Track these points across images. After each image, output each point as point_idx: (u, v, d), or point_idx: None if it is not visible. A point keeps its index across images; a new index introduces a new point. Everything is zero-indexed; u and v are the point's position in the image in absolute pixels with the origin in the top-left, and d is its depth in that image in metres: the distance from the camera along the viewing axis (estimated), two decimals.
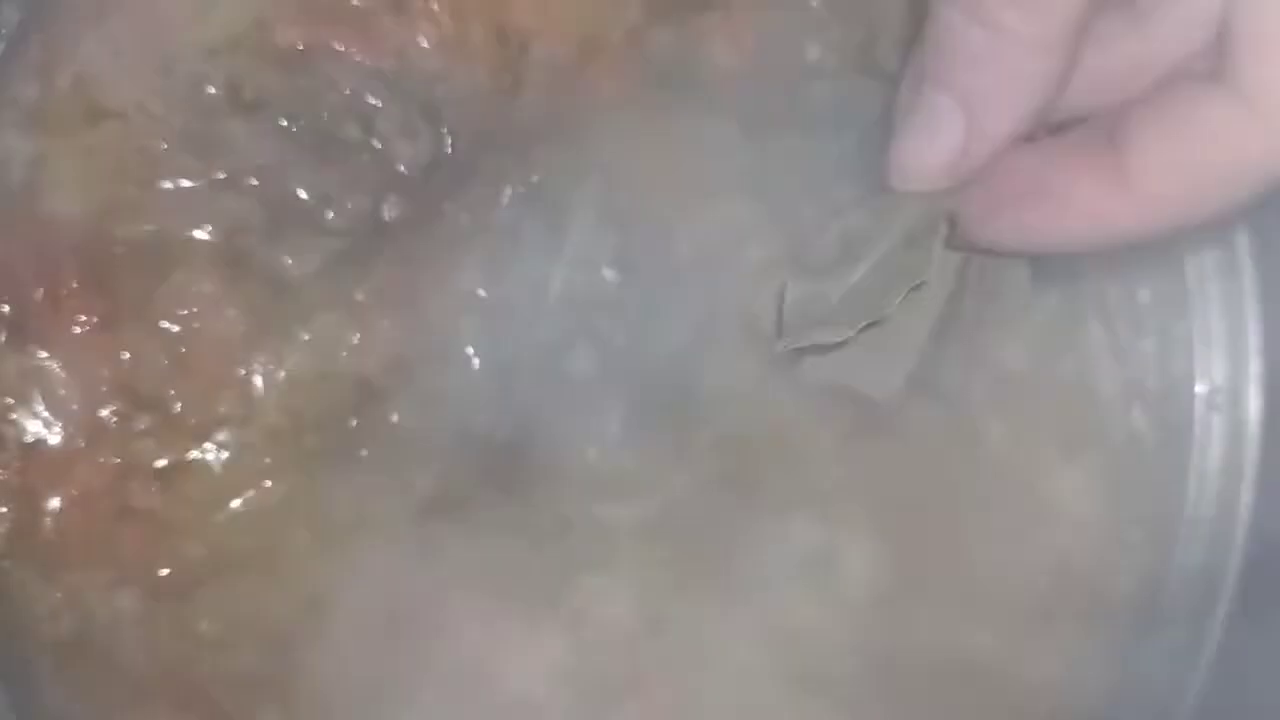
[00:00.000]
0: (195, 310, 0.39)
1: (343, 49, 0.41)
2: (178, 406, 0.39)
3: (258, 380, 0.39)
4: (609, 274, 0.40)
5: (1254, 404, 0.44)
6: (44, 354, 0.39)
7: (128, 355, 0.39)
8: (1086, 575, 0.43)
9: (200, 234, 0.39)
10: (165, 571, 0.39)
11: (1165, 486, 0.44)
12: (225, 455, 0.39)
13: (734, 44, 0.42)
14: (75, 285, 0.39)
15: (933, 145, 0.32)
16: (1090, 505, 0.44)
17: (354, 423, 0.39)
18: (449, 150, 0.41)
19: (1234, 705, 0.43)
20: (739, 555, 0.40)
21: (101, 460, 0.39)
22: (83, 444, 0.39)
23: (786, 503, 0.41)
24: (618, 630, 0.40)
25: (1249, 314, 0.43)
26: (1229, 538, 0.44)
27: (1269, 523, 0.44)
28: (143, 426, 0.39)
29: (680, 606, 0.40)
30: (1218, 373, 0.44)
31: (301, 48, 0.40)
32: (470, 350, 0.40)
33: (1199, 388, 0.44)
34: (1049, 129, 0.32)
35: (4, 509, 0.38)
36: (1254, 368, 0.44)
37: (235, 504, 0.39)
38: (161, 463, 0.39)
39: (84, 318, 0.39)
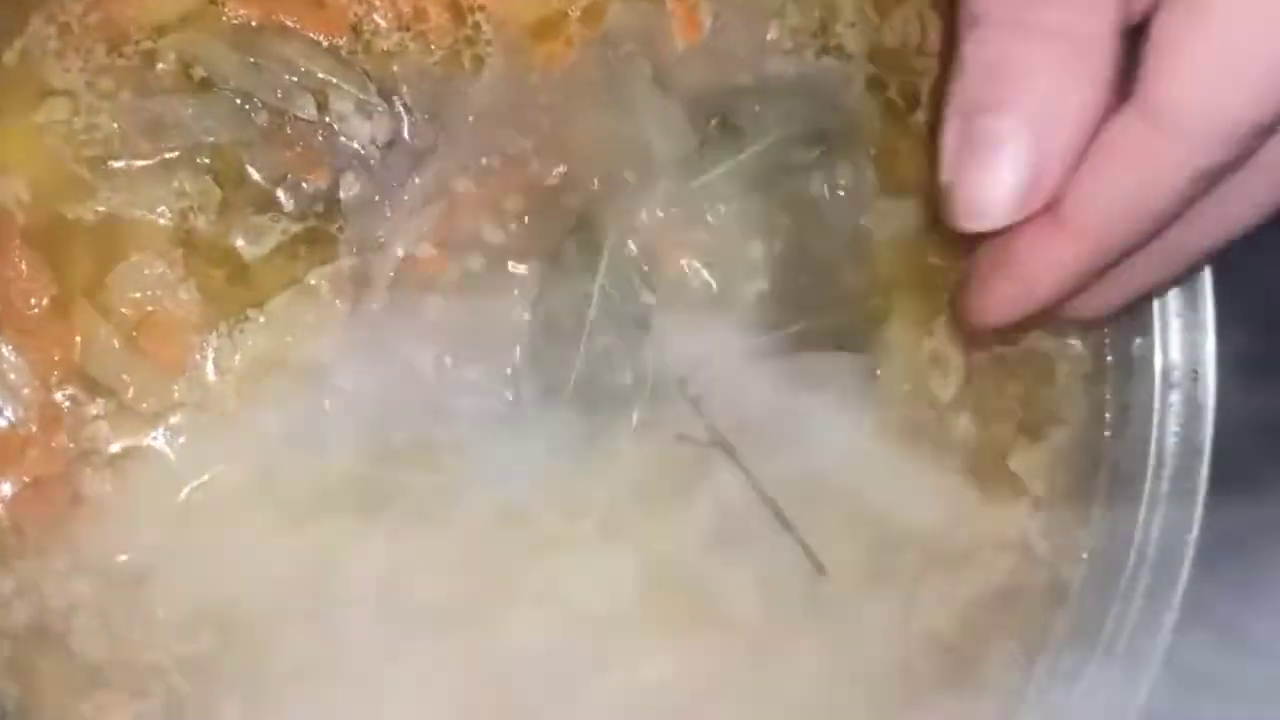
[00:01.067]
0: (148, 293, 0.38)
1: (296, 25, 0.40)
2: (131, 391, 0.38)
3: (212, 364, 0.39)
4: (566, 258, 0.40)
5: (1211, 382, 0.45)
6: None
7: (79, 339, 0.38)
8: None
9: (152, 215, 0.39)
10: (121, 558, 0.38)
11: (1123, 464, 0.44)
12: (180, 440, 0.38)
13: (690, 23, 0.41)
14: (24, 268, 0.38)
15: (1002, 177, 0.30)
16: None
17: (310, 405, 0.39)
18: (406, 129, 0.40)
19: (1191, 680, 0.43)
20: None
21: (54, 446, 0.38)
22: (35, 429, 0.38)
23: None
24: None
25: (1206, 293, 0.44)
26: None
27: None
28: (96, 411, 0.38)
29: None
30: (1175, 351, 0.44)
31: (254, 24, 0.40)
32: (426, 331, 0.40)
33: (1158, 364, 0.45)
34: None
35: None
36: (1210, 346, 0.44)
37: (191, 489, 0.38)
38: (115, 448, 0.38)
39: (34, 301, 0.38)
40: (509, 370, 0.40)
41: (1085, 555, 0.45)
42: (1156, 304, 0.44)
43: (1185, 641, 0.43)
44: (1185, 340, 0.44)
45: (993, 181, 0.30)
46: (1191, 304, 0.44)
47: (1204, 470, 0.45)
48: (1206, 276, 0.43)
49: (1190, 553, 0.44)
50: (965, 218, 0.31)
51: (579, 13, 0.41)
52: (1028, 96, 0.29)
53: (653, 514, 0.40)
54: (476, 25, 0.41)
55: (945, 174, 0.31)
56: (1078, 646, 0.44)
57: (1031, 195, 0.30)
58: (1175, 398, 0.44)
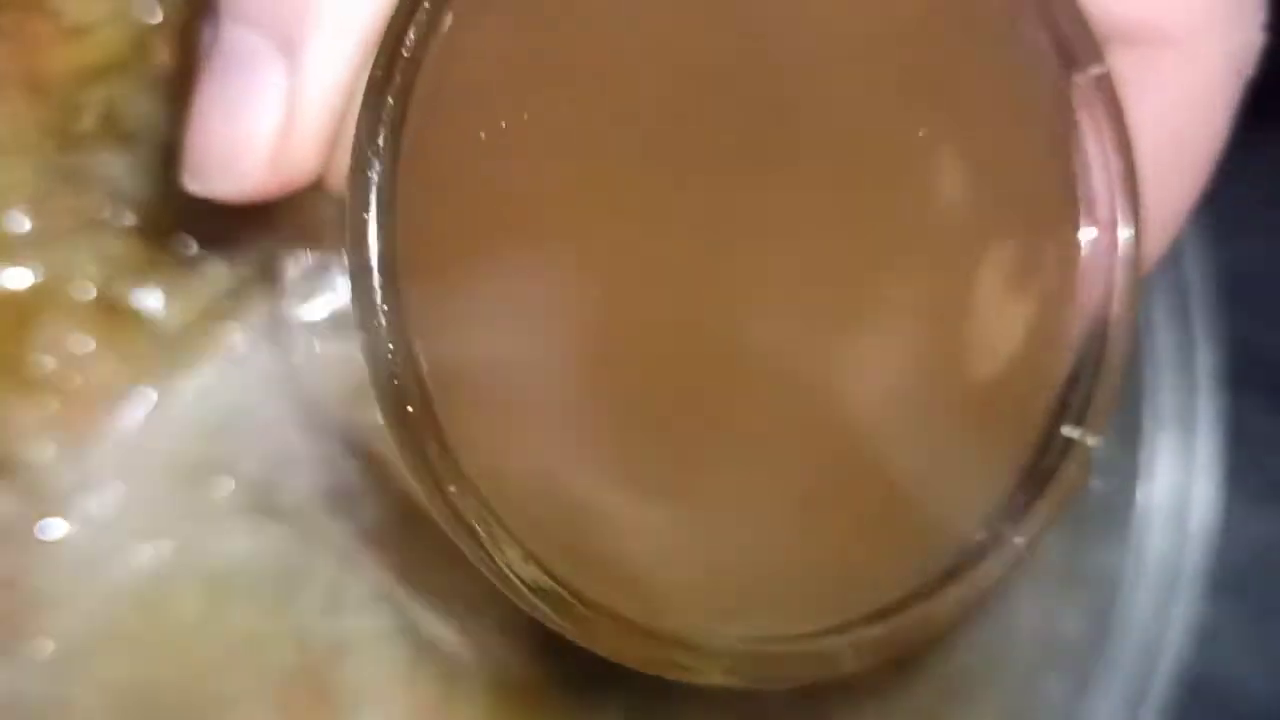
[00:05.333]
0: (69, 362, 0.36)
1: None
2: (51, 467, 0.36)
3: (139, 435, 0.37)
4: None
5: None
6: None
7: None
8: None
9: (73, 279, 0.37)
10: (40, 641, 0.36)
11: None
12: (103, 517, 0.36)
13: None
14: None
15: (246, 116, 0.21)
16: None
17: (245, 478, 0.37)
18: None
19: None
20: None
21: None
22: None
23: None
24: None
25: None
26: None
27: None
28: (10, 489, 0.36)
29: None
30: None
31: (185, 74, 0.37)
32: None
33: None
34: None
35: None
36: None
37: (114, 569, 0.36)
38: (34, 529, 0.36)
39: None
40: None
41: None
42: None
43: None
44: None
45: (231, 124, 0.22)
46: None
47: None
48: None
49: None
50: (190, 172, 0.24)
51: None
52: (288, 8, 0.21)
53: None
54: None
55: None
56: None
57: (281, 159, 0.22)
58: None
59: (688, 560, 0.23)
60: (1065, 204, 0.25)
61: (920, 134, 0.24)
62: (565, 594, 0.20)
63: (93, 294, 0.36)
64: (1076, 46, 0.25)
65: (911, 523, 0.25)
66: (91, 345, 0.36)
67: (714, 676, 0.21)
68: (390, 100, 0.19)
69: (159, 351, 0.37)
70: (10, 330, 0.36)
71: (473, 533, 0.20)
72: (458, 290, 0.20)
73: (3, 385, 0.36)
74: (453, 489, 0.20)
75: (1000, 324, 0.24)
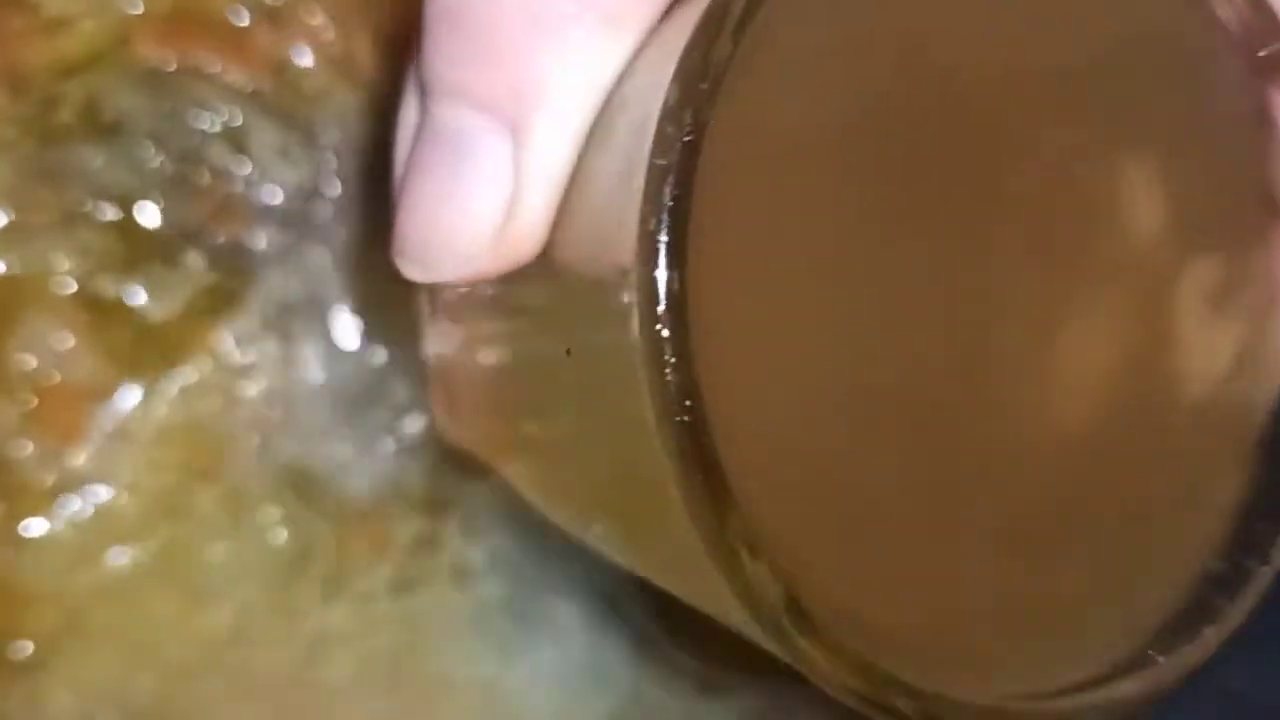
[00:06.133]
0: (49, 359, 0.36)
1: (214, 68, 0.37)
2: (31, 465, 0.36)
3: (121, 433, 0.36)
4: None
5: None
6: None
7: None
8: None
9: (54, 274, 0.36)
10: (18, 642, 0.36)
11: None
12: (86, 517, 0.36)
13: None
14: None
15: (470, 200, 0.21)
16: None
17: (227, 476, 0.37)
18: (331, 176, 0.38)
19: None
20: None
21: None
22: None
23: None
24: None
25: None
26: None
27: None
28: None
29: None
30: None
31: (168, 66, 0.37)
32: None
33: None
34: None
35: None
36: None
37: (96, 568, 0.36)
38: (15, 528, 0.36)
39: None
40: None
41: None
42: None
43: None
44: None
45: (453, 209, 0.21)
46: None
47: None
48: None
49: None
50: (408, 261, 0.22)
51: None
52: (515, 83, 0.20)
53: None
54: (401, 64, 0.38)
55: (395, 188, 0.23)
56: None
57: (504, 241, 0.21)
58: None
59: (941, 602, 0.23)
60: (1267, 216, 0.25)
61: (1117, 162, 0.24)
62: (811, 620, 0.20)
63: (73, 289, 0.36)
64: (1268, 58, 0.24)
65: (1148, 557, 0.24)
66: (72, 342, 0.36)
67: None
68: (673, 189, 0.19)
69: (141, 348, 0.36)
70: None
71: (735, 557, 0.20)
72: (738, 339, 0.21)
73: None
74: (732, 522, 0.20)
75: (1212, 344, 0.24)
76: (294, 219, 0.37)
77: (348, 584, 0.37)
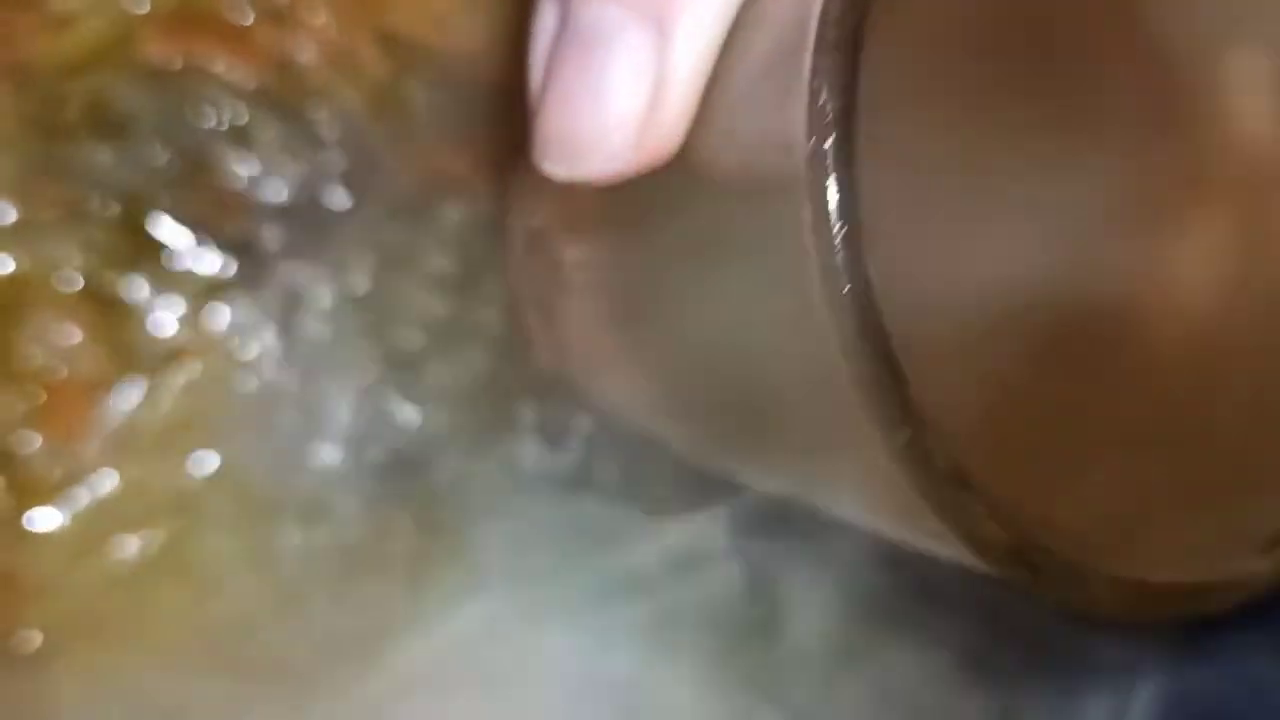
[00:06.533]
0: (56, 354, 0.36)
1: (218, 65, 0.38)
2: (38, 460, 0.36)
3: (126, 427, 0.36)
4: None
5: None
6: None
7: None
8: None
9: (60, 271, 0.36)
10: (25, 634, 0.36)
11: None
12: (93, 510, 0.36)
13: None
14: None
15: (612, 95, 0.21)
16: None
17: (232, 469, 0.37)
18: (335, 173, 0.38)
19: None
20: None
21: None
22: None
23: None
24: None
25: None
26: None
27: None
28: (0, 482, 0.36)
29: None
30: None
31: (172, 64, 0.37)
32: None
33: None
34: None
35: None
36: None
37: (103, 561, 0.36)
38: (22, 520, 0.36)
39: None
40: None
41: None
42: None
43: None
44: None
45: (595, 103, 0.21)
46: None
47: None
48: None
49: None
50: (550, 155, 0.23)
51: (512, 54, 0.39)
52: None
53: None
54: (410, 63, 0.39)
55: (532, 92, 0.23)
56: None
57: (646, 136, 0.21)
58: None
59: (1088, 492, 0.23)
60: None
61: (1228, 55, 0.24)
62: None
63: (79, 285, 0.36)
64: None
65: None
66: (78, 336, 0.36)
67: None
68: (839, 71, 0.19)
69: (147, 342, 0.37)
70: None
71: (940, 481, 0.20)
72: (901, 223, 0.21)
73: None
74: (923, 440, 0.20)
75: None
76: (298, 215, 0.38)
77: (358, 580, 0.37)
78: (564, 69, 0.22)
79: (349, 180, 0.38)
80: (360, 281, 0.38)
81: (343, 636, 0.37)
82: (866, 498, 0.23)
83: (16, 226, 0.36)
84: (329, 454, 0.37)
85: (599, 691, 0.37)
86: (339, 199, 0.38)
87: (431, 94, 0.39)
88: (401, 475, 0.38)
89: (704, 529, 0.38)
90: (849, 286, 0.19)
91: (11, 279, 0.36)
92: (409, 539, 0.38)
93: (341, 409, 0.37)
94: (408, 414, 0.38)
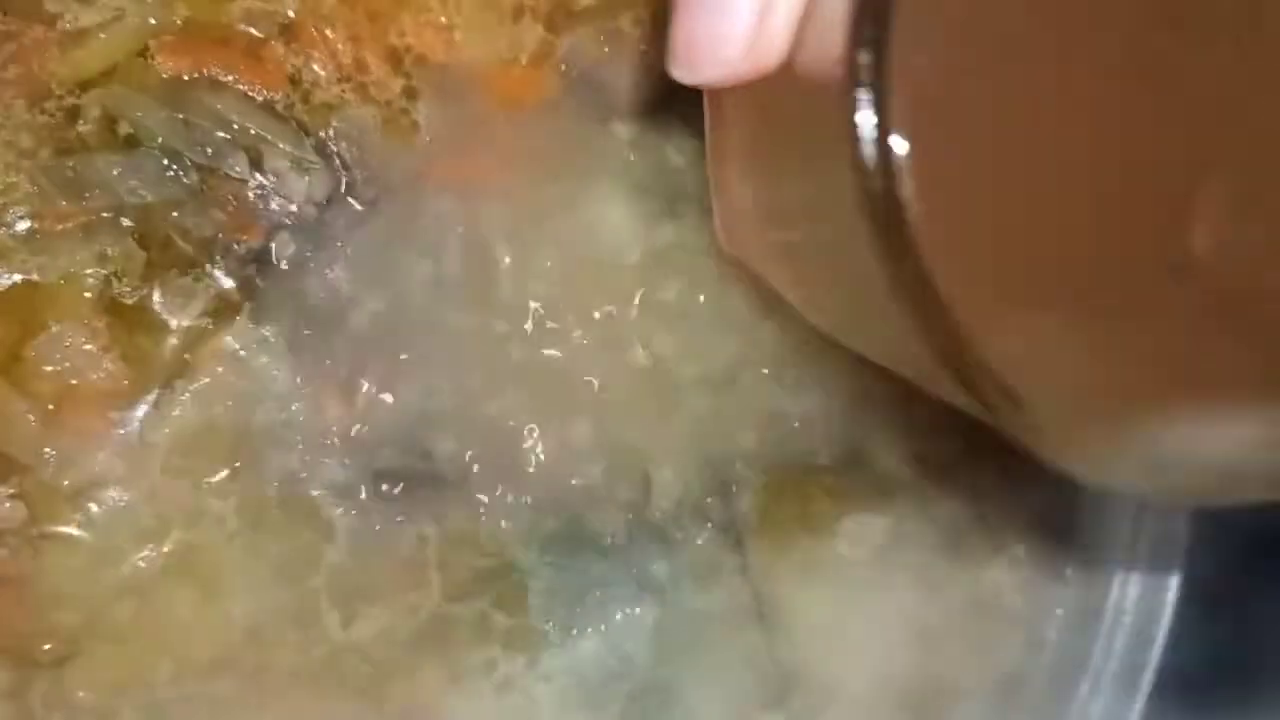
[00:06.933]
0: (69, 364, 0.36)
1: (230, 78, 0.38)
2: (50, 467, 0.36)
3: (138, 437, 0.37)
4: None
5: None
6: None
7: None
8: None
9: (73, 281, 0.37)
10: (39, 640, 0.36)
11: None
12: (104, 517, 0.37)
13: (643, 72, 0.40)
14: None
15: (729, 12, 0.25)
16: None
17: (242, 479, 0.37)
18: (345, 187, 0.38)
19: None
20: None
21: None
22: None
23: None
24: None
25: None
26: None
27: None
28: (11, 490, 0.36)
29: None
30: None
31: (185, 78, 0.38)
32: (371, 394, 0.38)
33: None
34: None
35: None
36: None
37: (115, 568, 0.37)
38: (34, 528, 0.36)
39: None
40: None
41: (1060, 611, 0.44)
42: None
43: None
44: None
45: (715, 16, 0.25)
46: None
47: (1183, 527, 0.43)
48: None
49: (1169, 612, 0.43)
50: (680, 62, 0.26)
51: (526, 59, 0.39)
52: None
53: None
54: (419, 77, 0.39)
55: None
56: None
57: (755, 46, 0.25)
58: None
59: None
60: None
61: None
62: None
63: (93, 296, 0.37)
64: None
65: None
66: (91, 347, 0.37)
67: None
68: None
69: (159, 352, 0.37)
70: (11, 332, 0.36)
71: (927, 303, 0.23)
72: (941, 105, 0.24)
73: (4, 386, 0.36)
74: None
75: None
76: (307, 227, 0.38)
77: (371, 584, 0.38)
78: None
79: (360, 193, 0.38)
80: (372, 293, 0.38)
81: (355, 647, 0.37)
82: (885, 337, 0.26)
83: (30, 237, 0.37)
84: (339, 466, 0.37)
85: None
86: (350, 212, 0.38)
87: (440, 108, 0.39)
88: (413, 487, 0.38)
89: None
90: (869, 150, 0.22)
91: (25, 290, 0.37)
92: (423, 549, 0.38)
93: (352, 420, 0.38)
94: (420, 424, 0.38)
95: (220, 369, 0.37)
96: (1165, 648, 0.43)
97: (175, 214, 0.37)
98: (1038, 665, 0.43)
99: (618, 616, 0.39)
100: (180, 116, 0.37)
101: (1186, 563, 0.44)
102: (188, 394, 0.37)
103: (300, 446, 0.38)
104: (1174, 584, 0.43)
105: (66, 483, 0.36)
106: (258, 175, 0.38)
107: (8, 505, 0.36)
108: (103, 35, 0.37)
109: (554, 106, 0.40)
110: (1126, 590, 0.44)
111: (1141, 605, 0.44)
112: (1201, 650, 0.42)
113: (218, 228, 0.38)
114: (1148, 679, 0.43)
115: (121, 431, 0.37)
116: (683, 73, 0.27)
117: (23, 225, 0.37)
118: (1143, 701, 0.43)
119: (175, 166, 0.37)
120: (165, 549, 0.37)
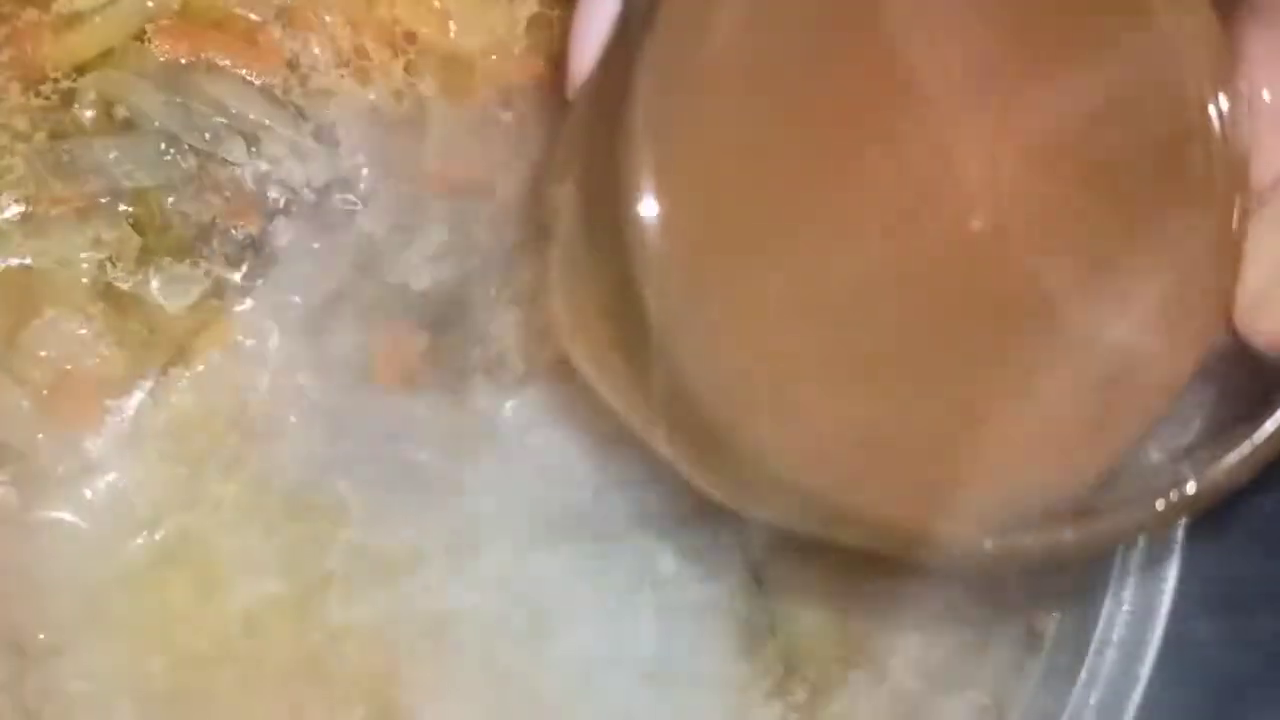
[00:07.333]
0: (63, 350, 0.36)
1: (227, 63, 0.38)
2: (44, 455, 0.36)
3: (133, 424, 0.36)
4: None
5: None
6: None
7: None
8: None
9: (68, 266, 0.36)
10: (34, 630, 0.36)
11: None
12: (98, 505, 0.36)
13: None
14: None
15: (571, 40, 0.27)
16: None
17: (239, 467, 0.37)
18: (343, 173, 0.38)
19: None
20: None
21: None
22: None
23: None
24: None
25: None
26: None
27: None
28: (5, 477, 0.36)
29: None
30: None
31: (182, 62, 0.37)
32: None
33: None
34: None
35: None
36: None
37: (110, 558, 0.36)
38: (27, 515, 0.36)
39: None
40: None
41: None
42: None
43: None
44: None
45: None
46: None
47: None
48: None
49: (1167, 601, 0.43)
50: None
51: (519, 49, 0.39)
52: None
53: None
54: (417, 61, 0.39)
55: None
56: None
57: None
58: None
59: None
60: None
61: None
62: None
63: (87, 281, 0.36)
64: None
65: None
66: (86, 332, 0.36)
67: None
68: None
69: (155, 338, 0.37)
70: (5, 317, 0.36)
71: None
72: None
73: None
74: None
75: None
76: (305, 213, 0.38)
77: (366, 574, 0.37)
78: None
79: (357, 179, 0.38)
80: (367, 279, 0.38)
81: (353, 632, 0.37)
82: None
83: (25, 222, 0.36)
84: (338, 451, 0.37)
85: None
86: (348, 198, 0.38)
87: (440, 93, 0.39)
88: (413, 471, 0.38)
89: None
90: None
91: (20, 274, 0.36)
92: (423, 536, 0.38)
93: (347, 404, 0.37)
94: (414, 408, 0.38)
95: (216, 355, 0.37)
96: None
97: (172, 199, 0.37)
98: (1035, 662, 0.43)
99: None
100: (177, 101, 0.37)
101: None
102: (183, 380, 0.37)
103: (298, 433, 0.37)
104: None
105: (60, 470, 0.36)
106: (255, 160, 0.38)
107: (0, 492, 0.36)
108: (98, 19, 0.37)
109: (549, 88, 0.39)
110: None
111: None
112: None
113: (215, 213, 0.37)
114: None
115: (117, 418, 0.36)
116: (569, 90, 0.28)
117: (17, 209, 0.36)
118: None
119: (172, 151, 0.37)
120: (160, 537, 0.36)
